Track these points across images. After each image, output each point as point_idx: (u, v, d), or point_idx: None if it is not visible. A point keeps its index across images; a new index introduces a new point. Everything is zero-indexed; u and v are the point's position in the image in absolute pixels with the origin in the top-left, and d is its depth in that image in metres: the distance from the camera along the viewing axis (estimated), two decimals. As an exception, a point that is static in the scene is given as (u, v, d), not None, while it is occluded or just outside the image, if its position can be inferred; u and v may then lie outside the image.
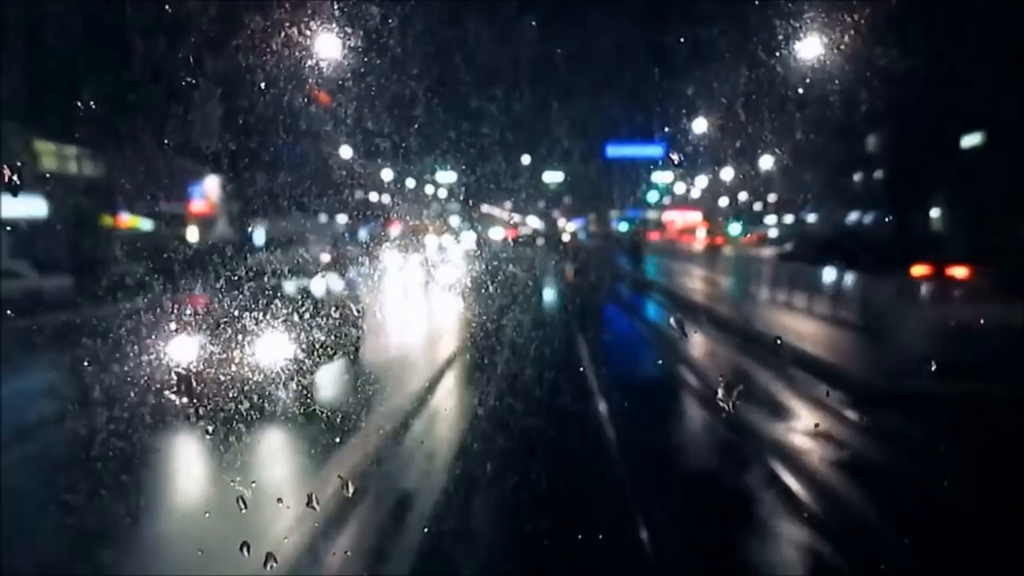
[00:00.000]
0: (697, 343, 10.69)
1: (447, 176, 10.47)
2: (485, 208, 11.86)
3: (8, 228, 10.33)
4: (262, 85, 5.94)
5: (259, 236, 9.38)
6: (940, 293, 12.35)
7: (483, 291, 7.71)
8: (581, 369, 10.15)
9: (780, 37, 7.05)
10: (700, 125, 9.08)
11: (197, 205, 11.69)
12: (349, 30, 6.50)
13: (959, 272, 12.95)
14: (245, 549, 4.38)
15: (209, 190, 11.50)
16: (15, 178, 4.63)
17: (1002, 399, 7.47)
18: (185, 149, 6.86)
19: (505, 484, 6.37)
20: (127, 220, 11.16)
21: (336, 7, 6.27)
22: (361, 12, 6.56)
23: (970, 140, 17.73)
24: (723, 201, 23.60)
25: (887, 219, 18.71)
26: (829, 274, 14.63)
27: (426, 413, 8.45)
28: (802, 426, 8.53)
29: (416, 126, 7.28)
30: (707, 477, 7.18)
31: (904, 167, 17.39)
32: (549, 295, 15.06)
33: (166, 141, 6.53)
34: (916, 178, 16.98)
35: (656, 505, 6.45)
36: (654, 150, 14.76)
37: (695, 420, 9.05)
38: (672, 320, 7.14)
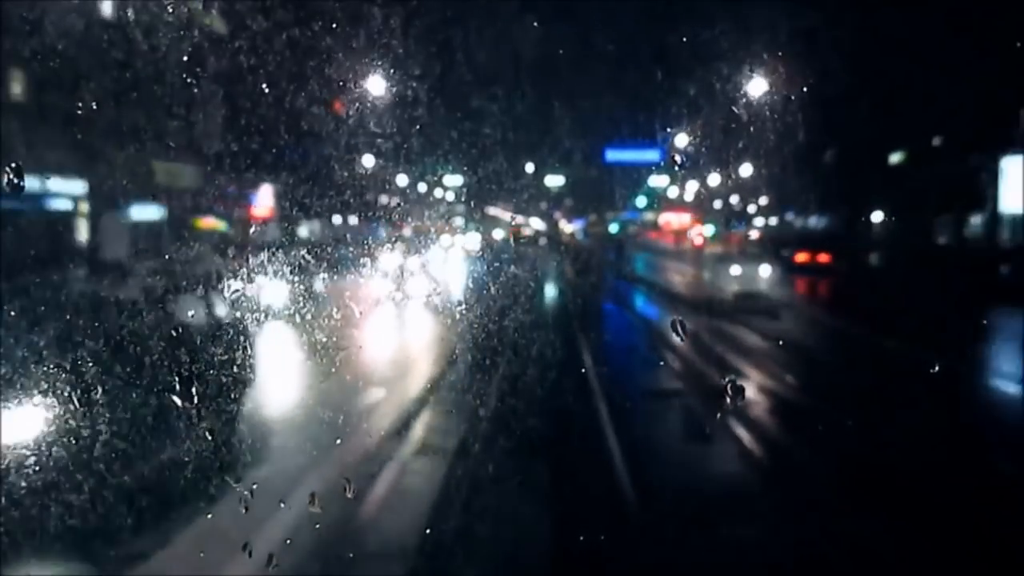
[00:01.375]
0: (656, 305, 18.59)
1: (454, 179, 10.41)
2: (490, 210, 11.73)
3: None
4: (303, 103, 6.87)
5: (272, 234, 9.54)
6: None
7: (485, 291, 7.40)
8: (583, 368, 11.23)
9: (768, 48, 6.92)
10: (694, 130, 9.12)
11: (257, 210, 12.72)
12: (361, 38, 6.51)
13: (823, 257, 18.99)
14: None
15: (263, 197, 12.29)
16: (14, 178, 4.42)
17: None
18: (244, 162, 7.49)
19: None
20: (212, 223, 12.58)
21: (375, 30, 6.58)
22: (380, 22, 6.61)
23: (895, 157, 21.40)
24: (717, 203, 23.60)
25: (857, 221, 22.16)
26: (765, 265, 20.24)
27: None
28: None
29: (420, 127, 7.19)
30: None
31: (845, 177, 20.45)
32: (551, 289, 16.10)
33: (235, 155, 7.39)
34: (853, 187, 20.42)
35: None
36: (652, 154, 14.65)
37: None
38: (676, 321, 7.66)
